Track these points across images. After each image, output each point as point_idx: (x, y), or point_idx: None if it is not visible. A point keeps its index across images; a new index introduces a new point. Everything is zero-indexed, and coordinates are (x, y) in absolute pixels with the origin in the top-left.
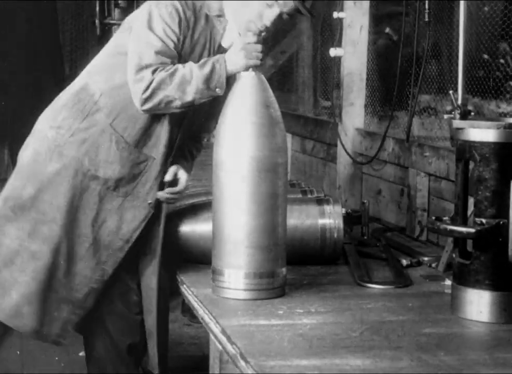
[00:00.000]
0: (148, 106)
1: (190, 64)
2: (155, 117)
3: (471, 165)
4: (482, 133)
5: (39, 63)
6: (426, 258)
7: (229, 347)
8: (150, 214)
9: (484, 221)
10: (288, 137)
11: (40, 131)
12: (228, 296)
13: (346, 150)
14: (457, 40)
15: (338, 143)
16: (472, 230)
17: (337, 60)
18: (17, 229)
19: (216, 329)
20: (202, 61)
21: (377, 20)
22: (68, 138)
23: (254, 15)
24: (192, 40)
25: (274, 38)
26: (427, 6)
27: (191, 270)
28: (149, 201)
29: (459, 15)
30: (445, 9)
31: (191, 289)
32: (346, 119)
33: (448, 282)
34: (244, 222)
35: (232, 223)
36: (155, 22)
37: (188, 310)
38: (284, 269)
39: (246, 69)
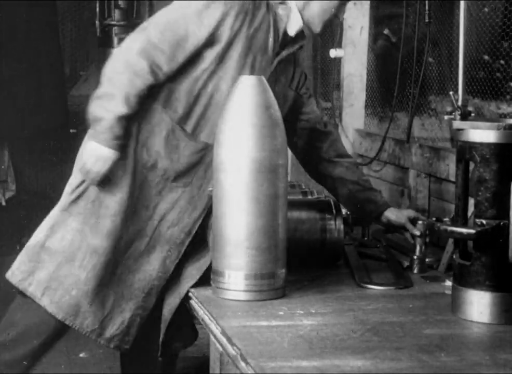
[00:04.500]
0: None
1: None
2: (209, 103)
3: (472, 166)
4: (482, 134)
5: (39, 64)
6: (426, 259)
7: (229, 348)
8: (210, 203)
9: (484, 221)
10: None
11: None
12: (228, 297)
13: None
14: (457, 41)
15: None
16: (472, 231)
17: (338, 61)
18: (80, 223)
19: (216, 330)
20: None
21: (378, 21)
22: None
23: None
24: (251, 29)
25: None
26: (427, 7)
27: None
28: (210, 188)
29: (459, 16)
30: (445, 9)
31: (192, 290)
32: (346, 120)
33: (448, 283)
34: (244, 223)
35: (233, 224)
36: (191, 10)
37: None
38: (284, 270)
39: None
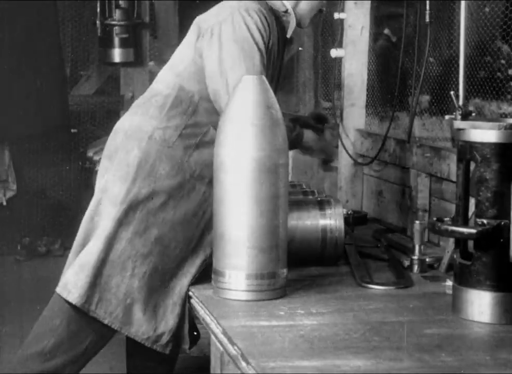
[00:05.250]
0: None
1: None
2: None
3: (472, 166)
4: (483, 133)
5: (39, 64)
6: (427, 259)
7: (230, 348)
8: None
9: (485, 221)
10: None
11: (142, 132)
12: (229, 297)
13: (347, 151)
14: (458, 41)
15: (339, 144)
16: (473, 231)
17: (338, 61)
18: (129, 233)
19: (217, 329)
20: None
21: (378, 21)
22: (176, 138)
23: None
24: (272, 39)
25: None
26: (427, 7)
27: None
28: None
29: (459, 16)
30: (446, 9)
31: (192, 290)
32: (347, 120)
33: (449, 283)
34: (245, 223)
35: (233, 224)
36: (255, 34)
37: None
38: (285, 270)
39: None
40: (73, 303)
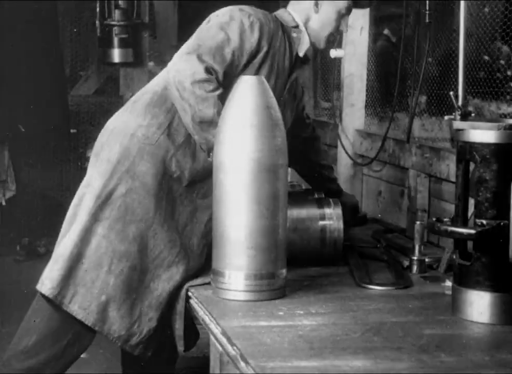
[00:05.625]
0: (197, 89)
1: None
2: None
3: (472, 166)
4: (482, 134)
5: (39, 64)
6: (426, 260)
7: (229, 348)
8: None
9: (484, 222)
10: None
11: (126, 129)
12: (228, 297)
13: (346, 152)
14: (458, 41)
15: (339, 144)
16: (472, 231)
17: (338, 61)
18: (105, 229)
19: (216, 330)
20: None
21: (378, 21)
22: (159, 137)
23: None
24: (274, 49)
25: None
26: (427, 7)
27: None
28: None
29: (459, 16)
30: (446, 10)
31: (192, 290)
32: (346, 120)
33: (448, 283)
34: (244, 223)
35: (233, 224)
36: (232, 26)
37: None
38: (284, 270)
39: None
40: (46, 294)
